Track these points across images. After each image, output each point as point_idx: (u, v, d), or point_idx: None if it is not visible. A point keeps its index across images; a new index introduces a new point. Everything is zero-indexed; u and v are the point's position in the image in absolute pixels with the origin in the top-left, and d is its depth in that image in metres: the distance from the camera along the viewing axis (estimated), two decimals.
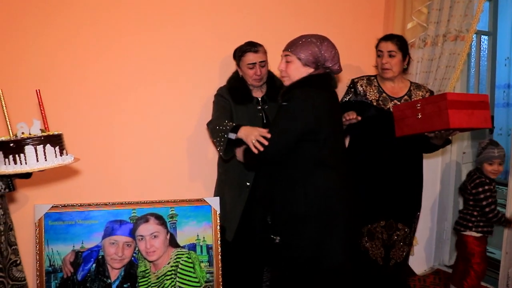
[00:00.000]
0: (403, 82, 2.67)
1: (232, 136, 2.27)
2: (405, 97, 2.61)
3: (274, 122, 2.11)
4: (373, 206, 2.58)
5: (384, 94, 2.61)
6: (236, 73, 2.68)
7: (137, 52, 2.69)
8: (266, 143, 2.05)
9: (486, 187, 2.86)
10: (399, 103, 2.57)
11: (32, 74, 2.46)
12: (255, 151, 2.06)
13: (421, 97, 2.59)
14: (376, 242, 2.61)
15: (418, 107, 2.29)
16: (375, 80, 2.67)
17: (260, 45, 2.56)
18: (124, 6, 2.63)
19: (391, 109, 2.55)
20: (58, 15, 2.50)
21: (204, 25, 2.84)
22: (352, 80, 2.73)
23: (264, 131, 2.08)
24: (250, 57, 2.52)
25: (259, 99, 2.66)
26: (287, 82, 2.13)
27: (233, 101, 2.60)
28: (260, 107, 2.64)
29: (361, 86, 2.66)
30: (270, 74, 2.69)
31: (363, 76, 2.75)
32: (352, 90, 2.71)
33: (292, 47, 2.09)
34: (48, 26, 2.48)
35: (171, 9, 2.75)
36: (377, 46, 2.64)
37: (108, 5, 2.59)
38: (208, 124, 2.58)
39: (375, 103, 2.59)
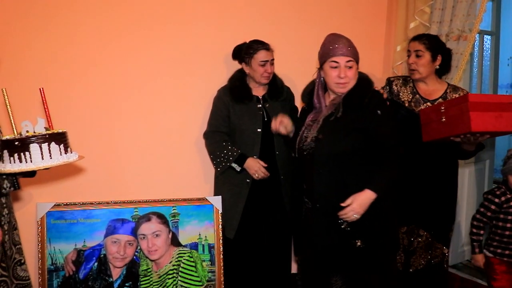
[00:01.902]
0: (439, 84, 2.51)
1: (237, 168, 2.59)
2: (440, 99, 2.44)
3: (382, 135, 2.03)
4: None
5: (417, 96, 2.49)
6: (237, 72, 2.69)
7: (140, 51, 2.69)
8: (267, 173, 2.55)
9: (485, 195, 2.61)
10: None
11: (35, 73, 2.46)
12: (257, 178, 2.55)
13: None
14: None
15: (442, 110, 2.15)
16: (411, 80, 2.55)
17: (268, 44, 2.59)
18: (128, 4, 2.63)
19: None
20: (62, 14, 2.50)
21: (209, 23, 2.84)
22: (388, 79, 2.63)
23: (262, 163, 2.56)
24: (263, 55, 2.54)
25: (260, 97, 2.67)
26: (345, 89, 2.04)
27: (233, 100, 2.62)
28: (260, 105, 2.65)
29: (396, 85, 2.56)
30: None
31: (399, 76, 2.66)
32: (388, 88, 2.59)
33: (351, 53, 2.02)
34: (51, 24, 2.48)
35: (176, 8, 2.75)
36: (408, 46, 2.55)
37: (112, 3, 2.60)
38: (206, 138, 2.72)
39: (407, 104, 2.48)
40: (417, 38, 2.49)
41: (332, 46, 2.01)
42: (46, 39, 2.47)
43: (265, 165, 2.57)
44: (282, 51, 2.73)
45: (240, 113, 2.62)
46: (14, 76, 2.41)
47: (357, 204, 1.98)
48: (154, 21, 2.70)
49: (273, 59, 2.60)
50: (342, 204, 1.98)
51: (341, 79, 2.00)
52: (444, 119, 2.14)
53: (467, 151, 2.31)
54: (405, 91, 2.53)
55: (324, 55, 2.03)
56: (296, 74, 2.91)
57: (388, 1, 3.39)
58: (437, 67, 2.46)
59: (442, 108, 2.15)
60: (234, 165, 2.59)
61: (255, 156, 2.60)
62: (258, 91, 2.68)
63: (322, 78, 2.10)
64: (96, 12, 2.57)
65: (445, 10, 2.92)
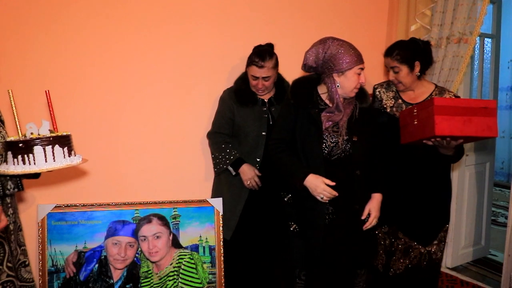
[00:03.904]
0: (425, 87, 2.45)
1: (232, 171, 2.61)
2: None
3: (379, 134, 2.29)
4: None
5: (400, 100, 2.47)
6: (244, 74, 2.67)
7: (143, 53, 2.69)
8: (259, 183, 2.56)
9: None
10: None
11: (41, 75, 2.46)
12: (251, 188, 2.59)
13: None
14: (379, 248, 2.52)
15: (415, 113, 2.15)
16: (394, 85, 2.50)
17: (270, 59, 2.48)
18: (131, 6, 2.63)
19: None
20: (67, 16, 2.50)
21: (215, 24, 2.85)
22: (374, 86, 2.62)
23: (257, 172, 2.57)
24: (254, 70, 2.50)
25: (266, 100, 2.66)
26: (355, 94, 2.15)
27: (238, 103, 2.61)
28: (266, 109, 2.63)
29: (379, 92, 2.55)
30: (280, 77, 2.68)
31: (383, 82, 2.64)
32: (374, 96, 2.57)
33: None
34: (56, 27, 2.48)
35: (180, 9, 2.75)
36: None
37: (116, 5, 2.60)
38: (209, 138, 2.75)
39: (389, 110, 2.47)
40: (389, 54, 2.39)
41: (357, 53, 2.08)
42: (52, 41, 2.47)
43: (259, 175, 2.58)
44: (283, 52, 2.73)
45: (245, 116, 2.61)
46: (19, 78, 2.40)
47: (377, 211, 2.20)
48: (158, 23, 2.70)
49: (267, 77, 2.51)
50: (363, 217, 2.17)
51: (361, 83, 2.11)
52: (416, 122, 2.16)
53: (446, 155, 2.26)
54: (388, 96, 2.52)
55: (351, 63, 2.04)
56: (296, 75, 2.92)
57: (389, 4, 3.40)
58: (418, 73, 2.40)
59: (415, 111, 2.17)
60: (230, 168, 2.60)
61: (258, 159, 2.59)
62: (264, 94, 2.67)
63: (338, 84, 2.10)
64: (101, 14, 2.56)
65: (446, 13, 2.93)
